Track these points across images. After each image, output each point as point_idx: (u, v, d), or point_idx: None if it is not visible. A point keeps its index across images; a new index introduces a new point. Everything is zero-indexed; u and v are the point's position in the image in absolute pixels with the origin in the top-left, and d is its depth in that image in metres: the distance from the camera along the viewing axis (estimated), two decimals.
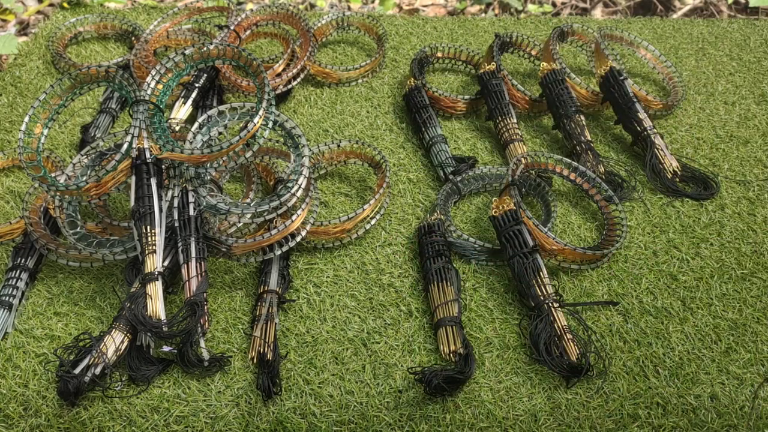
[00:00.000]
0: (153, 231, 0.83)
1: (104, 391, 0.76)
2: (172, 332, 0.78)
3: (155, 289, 0.80)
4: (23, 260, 0.90)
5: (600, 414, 0.77)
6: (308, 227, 0.92)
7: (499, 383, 0.80)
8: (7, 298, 0.86)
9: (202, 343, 0.80)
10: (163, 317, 0.79)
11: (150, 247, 0.82)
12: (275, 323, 0.83)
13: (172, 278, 0.87)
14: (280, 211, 0.87)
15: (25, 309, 0.88)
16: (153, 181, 0.86)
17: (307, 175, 0.90)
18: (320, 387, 0.79)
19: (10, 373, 0.79)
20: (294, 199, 0.88)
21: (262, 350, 0.80)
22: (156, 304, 0.79)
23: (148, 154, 0.87)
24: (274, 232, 0.87)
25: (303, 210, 0.90)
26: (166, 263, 0.84)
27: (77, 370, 0.75)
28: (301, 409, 0.77)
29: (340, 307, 0.89)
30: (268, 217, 0.88)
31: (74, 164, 0.95)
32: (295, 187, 0.88)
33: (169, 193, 0.89)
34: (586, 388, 0.79)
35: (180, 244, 0.85)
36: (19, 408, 0.76)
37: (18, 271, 0.89)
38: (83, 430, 0.74)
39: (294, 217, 0.88)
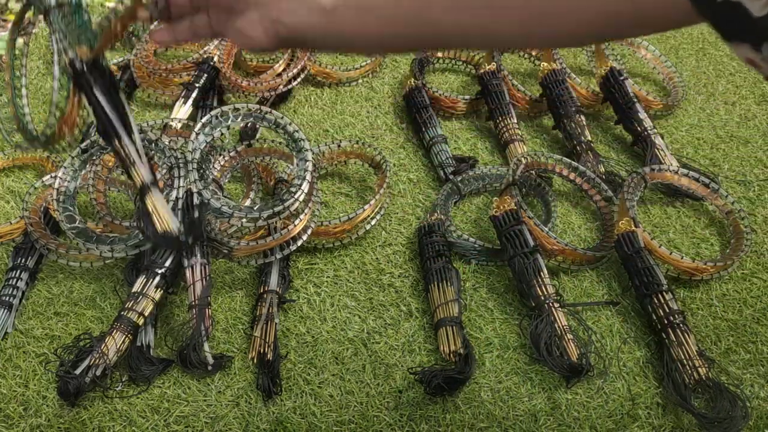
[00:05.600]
0: (123, 143, 0.69)
1: (105, 391, 0.76)
2: (195, 233, 0.71)
3: (155, 202, 0.69)
4: (23, 260, 0.90)
5: (600, 414, 0.77)
6: (309, 231, 0.91)
7: (499, 383, 0.80)
8: (7, 298, 0.86)
9: (206, 347, 0.80)
10: (174, 226, 0.70)
11: (128, 160, 0.69)
12: (275, 323, 0.83)
13: (173, 278, 0.87)
14: (283, 216, 0.87)
15: (26, 309, 0.88)
16: (98, 89, 0.69)
17: (310, 180, 0.89)
18: (320, 387, 0.79)
19: (10, 373, 0.79)
20: (297, 204, 0.88)
21: (262, 350, 0.80)
22: (163, 216, 0.69)
23: (79, 64, 0.68)
24: (276, 235, 0.87)
25: (305, 214, 0.90)
26: (156, 175, 0.72)
27: (78, 371, 0.75)
28: (302, 409, 0.77)
29: (340, 307, 0.89)
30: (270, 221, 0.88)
31: (73, 157, 0.94)
32: (299, 193, 0.87)
33: (173, 193, 0.88)
34: (587, 388, 0.79)
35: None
36: (19, 408, 0.76)
37: (18, 271, 0.89)
38: (83, 430, 0.74)
39: (296, 221, 0.89)
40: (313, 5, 0.48)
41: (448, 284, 0.87)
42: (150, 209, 0.70)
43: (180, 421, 0.75)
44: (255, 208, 0.87)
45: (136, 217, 0.73)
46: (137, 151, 0.70)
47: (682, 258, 0.90)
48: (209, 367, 0.78)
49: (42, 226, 0.93)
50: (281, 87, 1.23)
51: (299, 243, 0.90)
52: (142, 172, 0.70)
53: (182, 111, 1.13)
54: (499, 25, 0.44)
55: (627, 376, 0.80)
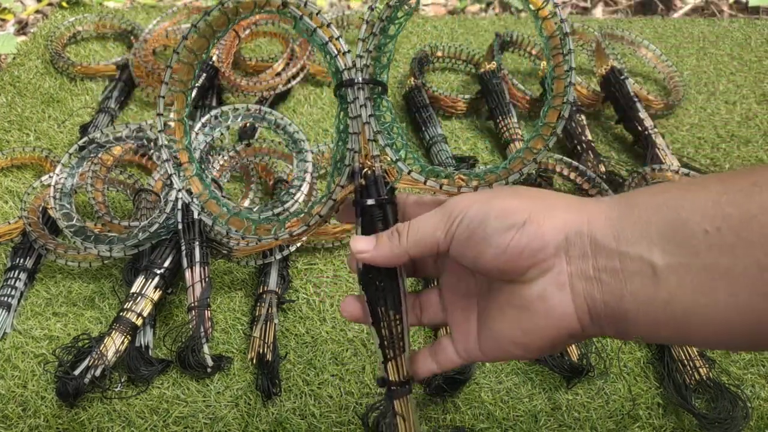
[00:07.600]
0: (398, 317, 0.48)
1: (103, 391, 0.76)
2: None
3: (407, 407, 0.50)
4: (22, 260, 0.90)
5: (601, 414, 0.76)
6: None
7: (500, 384, 0.79)
8: (5, 299, 0.85)
9: (206, 349, 0.79)
10: None
11: (395, 346, 0.49)
12: (275, 324, 0.83)
13: (172, 279, 0.87)
14: (282, 217, 0.87)
15: (24, 309, 0.87)
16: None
17: (310, 182, 0.89)
18: (320, 388, 0.79)
19: (9, 374, 0.79)
20: (296, 206, 0.88)
21: (261, 351, 0.79)
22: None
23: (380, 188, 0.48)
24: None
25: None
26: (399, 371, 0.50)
27: (77, 371, 0.75)
28: (301, 409, 0.76)
29: (340, 307, 0.88)
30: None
31: (70, 153, 0.94)
32: (298, 194, 0.87)
33: (173, 193, 0.88)
34: (587, 388, 0.79)
35: (184, 248, 0.85)
36: (17, 408, 0.76)
37: (16, 271, 0.89)
38: (82, 431, 0.74)
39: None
40: (635, 261, 0.33)
41: None
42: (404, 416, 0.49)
43: (179, 422, 0.75)
44: (254, 209, 0.86)
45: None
46: (407, 338, 0.49)
47: None
48: (208, 369, 0.78)
49: (40, 226, 0.93)
50: (280, 86, 1.23)
51: (299, 243, 0.90)
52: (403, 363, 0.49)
53: None
54: None
55: (628, 376, 0.80)
